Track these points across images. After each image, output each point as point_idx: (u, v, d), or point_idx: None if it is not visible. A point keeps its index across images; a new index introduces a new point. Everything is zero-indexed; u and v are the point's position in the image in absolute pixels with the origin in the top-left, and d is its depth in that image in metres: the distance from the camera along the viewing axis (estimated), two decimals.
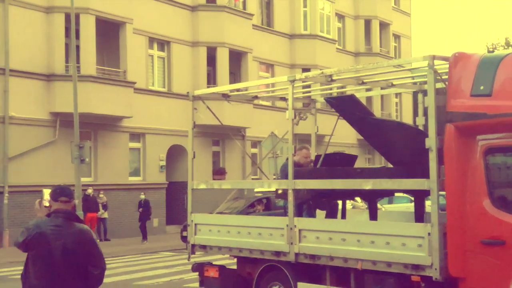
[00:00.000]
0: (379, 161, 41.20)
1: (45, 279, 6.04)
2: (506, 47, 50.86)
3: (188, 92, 11.75)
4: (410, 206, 23.97)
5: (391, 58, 43.26)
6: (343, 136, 21.84)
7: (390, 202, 27.20)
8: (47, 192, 6.44)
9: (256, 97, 12.79)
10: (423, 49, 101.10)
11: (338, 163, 10.87)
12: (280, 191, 11.30)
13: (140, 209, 26.64)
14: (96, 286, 6.34)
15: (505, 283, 7.72)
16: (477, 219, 8.01)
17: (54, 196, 6.28)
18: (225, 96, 11.97)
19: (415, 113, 45.69)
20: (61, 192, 6.29)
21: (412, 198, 25.74)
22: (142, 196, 26.90)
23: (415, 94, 42.65)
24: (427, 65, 8.24)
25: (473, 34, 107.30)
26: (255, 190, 24.37)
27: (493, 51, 46.65)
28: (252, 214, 19.68)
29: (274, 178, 23.08)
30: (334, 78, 9.90)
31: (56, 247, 6.06)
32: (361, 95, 12.49)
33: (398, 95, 41.60)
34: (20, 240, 6.10)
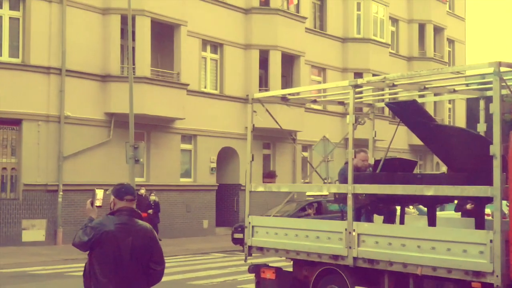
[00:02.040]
0: (431, 167, 40.84)
1: (113, 277, 6.10)
2: None
3: (247, 95, 11.82)
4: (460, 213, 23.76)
5: (445, 63, 42.80)
6: (394, 141, 21.70)
7: (441, 209, 26.91)
8: (100, 192, 6.48)
9: (315, 101, 12.82)
10: (478, 54, 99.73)
11: (397, 168, 10.84)
12: (337, 195, 11.31)
13: (150, 211, 25.12)
14: (156, 283, 6.40)
15: None
16: None
17: (120, 195, 6.33)
18: (284, 100, 12.03)
19: (468, 119, 45.19)
20: (126, 191, 6.36)
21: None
22: (153, 197, 25.76)
23: (468, 101, 42.21)
24: (493, 71, 8.18)
25: None
26: (307, 194, 24.39)
27: None
28: (304, 217, 19.72)
29: (324, 183, 23.10)
30: (395, 83, 9.87)
31: (125, 244, 6.14)
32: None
33: (451, 100, 41.15)
34: (84, 239, 6.12)
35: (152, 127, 27.04)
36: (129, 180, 22.48)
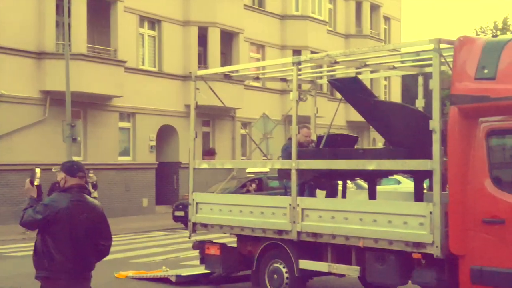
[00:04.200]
0: (367, 143, 41.47)
1: (69, 253, 6.15)
2: (494, 31, 51.05)
3: (190, 72, 11.81)
4: (398, 187, 24.31)
5: (382, 41, 43.40)
6: (332, 117, 22.04)
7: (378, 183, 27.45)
8: (39, 171, 6.50)
9: (257, 78, 12.89)
10: (413, 31, 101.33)
11: (340, 144, 11.03)
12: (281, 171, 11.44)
13: (93, 191, 22.95)
14: (104, 257, 6.55)
15: (504, 260, 7.95)
16: (478, 198, 8.21)
17: (72, 172, 6.38)
18: (227, 77, 12.06)
19: (404, 95, 45.97)
20: (78, 168, 6.44)
21: (400, 180, 26.05)
22: (95, 178, 24.11)
23: (404, 77, 42.90)
24: (433, 48, 8.38)
25: (461, 17, 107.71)
26: (247, 170, 24.51)
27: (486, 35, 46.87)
28: (245, 194, 19.87)
29: (263, 159, 23.25)
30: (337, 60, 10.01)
31: (80, 220, 6.21)
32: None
33: (387, 77, 41.83)
34: (38, 217, 6.12)
35: (89, 105, 26.68)
36: (66, 159, 22.18)
